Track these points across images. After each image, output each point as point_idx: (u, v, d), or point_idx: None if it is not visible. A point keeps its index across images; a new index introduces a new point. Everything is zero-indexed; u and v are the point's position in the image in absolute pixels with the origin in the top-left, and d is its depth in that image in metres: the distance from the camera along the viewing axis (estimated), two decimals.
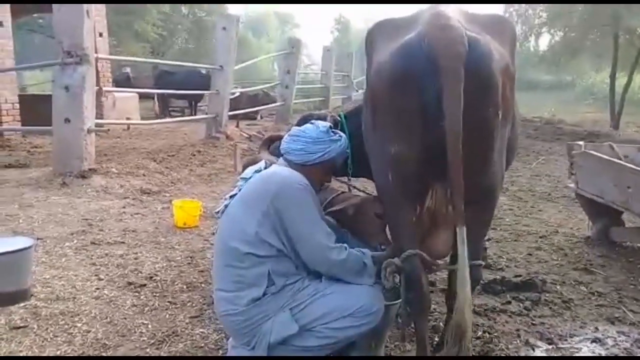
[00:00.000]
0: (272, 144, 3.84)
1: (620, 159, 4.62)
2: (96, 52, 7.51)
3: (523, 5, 18.38)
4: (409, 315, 2.47)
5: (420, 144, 2.18)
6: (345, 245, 2.42)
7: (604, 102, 19.63)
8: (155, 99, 15.61)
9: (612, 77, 16.23)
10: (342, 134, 2.67)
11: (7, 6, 9.83)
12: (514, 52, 2.48)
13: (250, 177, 2.53)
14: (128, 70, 18.08)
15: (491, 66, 2.12)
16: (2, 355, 2.76)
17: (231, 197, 2.55)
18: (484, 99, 2.13)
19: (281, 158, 2.65)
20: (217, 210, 2.65)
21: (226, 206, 2.53)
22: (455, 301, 2.16)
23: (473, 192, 2.23)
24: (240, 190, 2.52)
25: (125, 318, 3.20)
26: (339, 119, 3.07)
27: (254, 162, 3.49)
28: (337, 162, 2.66)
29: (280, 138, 3.76)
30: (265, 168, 2.59)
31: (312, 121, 2.70)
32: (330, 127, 2.63)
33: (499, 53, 2.20)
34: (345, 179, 3.23)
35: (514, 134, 2.53)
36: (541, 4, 17.48)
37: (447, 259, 2.64)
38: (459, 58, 2.04)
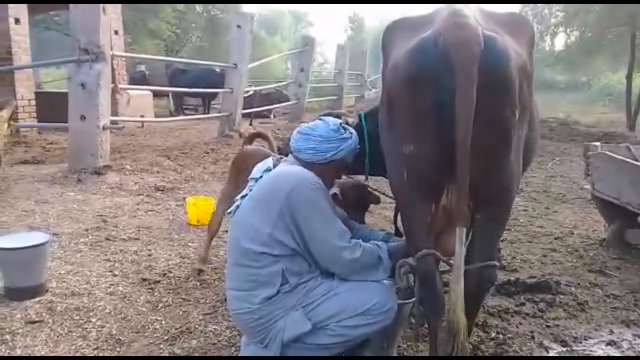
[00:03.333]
0: (255, 139, 4.01)
1: (637, 160, 4.57)
2: (112, 50, 7.55)
3: (539, 4, 18.24)
4: (423, 315, 2.47)
5: (435, 143, 2.16)
6: (360, 241, 2.40)
7: (619, 102, 19.42)
8: (169, 97, 15.67)
9: (629, 78, 16.03)
10: (352, 131, 2.61)
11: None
12: (532, 51, 2.45)
13: (260, 177, 2.51)
14: (143, 68, 18.16)
15: (507, 65, 2.10)
16: (18, 349, 2.79)
17: (242, 197, 2.53)
18: (500, 98, 2.11)
19: (291, 156, 2.61)
20: (228, 210, 2.64)
21: (237, 206, 2.52)
22: (449, 299, 2.16)
23: (489, 192, 2.22)
24: (251, 190, 2.51)
25: (139, 314, 3.22)
26: (352, 118, 3.06)
27: (241, 158, 3.62)
28: (348, 160, 2.61)
29: (261, 135, 3.98)
30: (274, 166, 2.57)
31: (322, 118, 2.64)
32: (341, 124, 2.58)
33: (516, 52, 2.18)
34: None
35: (533, 134, 2.50)
36: (557, 4, 17.34)
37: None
38: (474, 57, 2.03)
